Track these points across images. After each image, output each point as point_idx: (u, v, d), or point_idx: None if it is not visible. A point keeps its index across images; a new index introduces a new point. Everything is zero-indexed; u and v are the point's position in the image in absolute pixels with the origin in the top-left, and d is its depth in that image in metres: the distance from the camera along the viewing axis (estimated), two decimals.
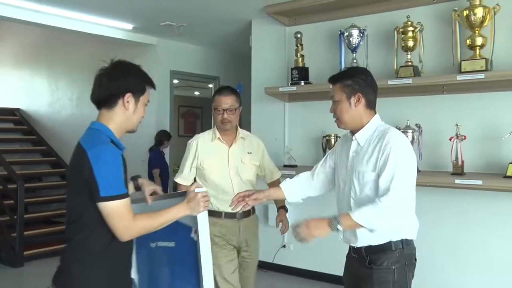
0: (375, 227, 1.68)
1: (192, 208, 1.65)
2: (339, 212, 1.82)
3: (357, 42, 3.25)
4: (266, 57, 3.94)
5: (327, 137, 3.44)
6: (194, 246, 1.71)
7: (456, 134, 2.81)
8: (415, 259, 1.82)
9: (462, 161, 2.80)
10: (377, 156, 1.72)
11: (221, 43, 5.42)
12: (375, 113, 1.85)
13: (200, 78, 5.97)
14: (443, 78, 2.83)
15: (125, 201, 1.48)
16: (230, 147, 2.44)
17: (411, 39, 3.00)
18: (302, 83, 3.48)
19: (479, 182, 2.63)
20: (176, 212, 1.62)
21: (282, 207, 2.51)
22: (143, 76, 1.64)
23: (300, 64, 3.52)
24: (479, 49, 2.74)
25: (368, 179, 1.74)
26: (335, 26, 3.45)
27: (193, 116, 9.05)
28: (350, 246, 1.86)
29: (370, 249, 1.79)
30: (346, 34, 3.26)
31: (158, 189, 1.85)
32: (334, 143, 3.41)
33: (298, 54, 3.53)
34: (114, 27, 4.63)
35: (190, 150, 2.45)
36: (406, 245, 1.78)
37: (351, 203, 1.79)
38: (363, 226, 1.67)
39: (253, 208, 2.45)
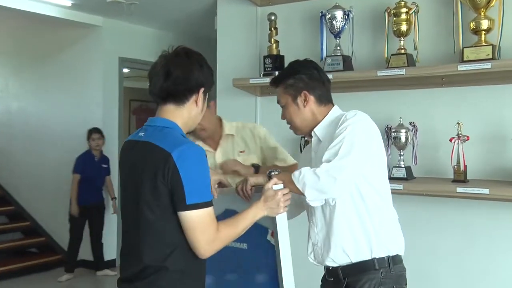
0: (305, 189, 1.66)
1: (270, 209, 1.66)
2: (311, 225, 1.86)
3: (341, 26, 3.17)
4: (234, 43, 3.84)
5: (305, 137, 3.31)
6: (271, 250, 1.74)
7: (458, 134, 2.76)
8: (406, 284, 1.76)
9: (465, 166, 2.75)
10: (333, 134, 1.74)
11: (181, 25, 5.27)
12: (332, 106, 1.89)
13: None
14: (442, 68, 2.77)
15: (211, 210, 1.49)
16: (216, 150, 2.34)
17: (405, 23, 2.92)
18: (277, 73, 3.30)
19: (485, 191, 2.57)
20: (253, 215, 1.63)
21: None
22: (210, 67, 1.65)
23: (274, 52, 3.44)
24: (485, 34, 2.67)
25: None
26: (315, 7, 3.36)
27: (147, 112, 8.81)
28: (324, 267, 1.85)
29: (347, 268, 1.74)
30: (328, 16, 3.17)
31: (224, 179, 1.98)
32: None
33: (272, 40, 3.45)
34: (48, 3, 4.37)
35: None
36: (394, 263, 1.73)
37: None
38: (296, 186, 1.67)
39: None
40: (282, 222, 1.70)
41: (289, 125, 1.92)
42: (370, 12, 3.20)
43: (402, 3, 2.92)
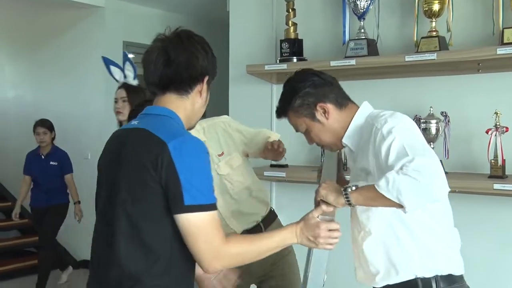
0: (405, 198, 1.43)
1: (307, 240, 1.53)
2: (353, 230, 1.80)
3: (365, 6, 3.13)
4: (248, 26, 3.83)
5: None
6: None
7: (495, 125, 2.73)
8: None
9: (503, 160, 2.72)
10: (371, 166, 1.64)
11: (190, 7, 5.28)
12: (355, 106, 1.80)
13: None
14: (479, 51, 2.74)
15: (215, 215, 1.37)
16: None
17: (437, 1, 2.87)
18: (295, 59, 3.40)
19: None
20: (283, 238, 1.52)
21: None
22: (214, 54, 1.58)
23: (292, 35, 3.43)
24: None
25: (372, 176, 1.65)
26: None
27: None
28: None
29: None
30: None
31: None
32: None
33: (290, 22, 3.43)
34: None
35: None
36: (443, 283, 1.66)
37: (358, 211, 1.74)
38: (387, 201, 1.45)
39: (271, 215, 2.42)
40: (321, 257, 1.61)
41: (321, 147, 1.87)
42: None
43: None
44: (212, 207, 1.36)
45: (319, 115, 1.74)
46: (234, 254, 1.39)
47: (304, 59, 3.39)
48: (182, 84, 1.49)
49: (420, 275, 1.66)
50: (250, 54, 3.73)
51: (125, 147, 1.43)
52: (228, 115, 3.87)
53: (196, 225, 1.32)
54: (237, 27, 3.90)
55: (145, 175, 1.34)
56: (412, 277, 1.66)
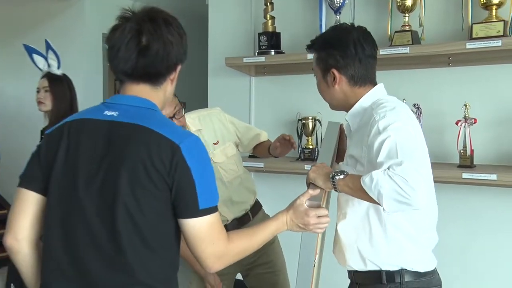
0: (383, 199, 1.40)
1: (297, 227, 1.53)
2: (339, 212, 1.76)
3: (341, 1, 3.16)
4: (227, 19, 3.82)
5: (303, 121, 3.37)
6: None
7: (464, 117, 2.77)
8: None
9: (472, 151, 2.76)
10: (360, 153, 1.61)
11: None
12: (371, 87, 1.72)
13: None
14: (450, 46, 2.77)
15: (219, 215, 1.33)
16: None
17: None
18: (273, 52, 3.40)
19: (493, 177, 2.59)
20: (276, 229, 1.51)
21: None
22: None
23: (270, 29, 3.43)
24: (496, 9, 2.67)
25: (361, 166, 1.61)
26: None
27: None
28: None
29: (357, 276, 1.70)
30: None
31: None
32: (312, 127, 3.32)
33: (268, 16, 3.43)
34: None
35: None
36: (407, 279, 1.63)
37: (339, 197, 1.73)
38: (367, 196, 1.44)
39: (257, 204, 2.41)
40: (310, 238, 1.58)
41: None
42: None
43: None
44: (217, 208, 1.32)
45: (328, 77, 1.71)
46: (237, 253, 1.36)
47: (282, 52, 3.40)
48: (157, 76, 1.35)
49: (385, 268, 1.64)
50: (229, 47, 3.72)
51: (121, 146, 1.27)
52: (207, 106, 3.92)
53: (206, 227, 1.27)
54: (216, 20, 3.89)
55: (154, 179, 1.23)
56: (377, 268, 1.65)
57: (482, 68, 2.87)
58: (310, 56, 3.03)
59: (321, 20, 3.24)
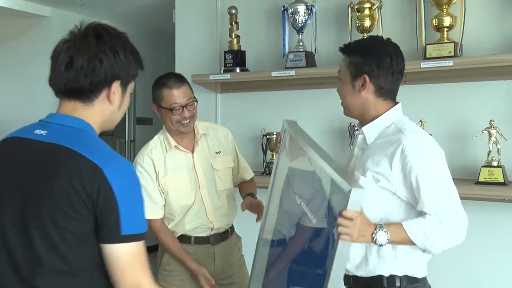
0: (432, 249, 1.57)
1: None
2: None
3: (303, 21, 3.18)
4: (194, 38, 3.82)
5: (267, 136, 3.37)
6: (332, 245, 1.49)
7: None
8: None
9: None
10: (387, 171, 1.61)
11: (137, 18, 5.19)
12: (395, 104, 1.75)
13: None
14: (406, 65, 2.68)
15: (144, 244, 1.22)
16: (193, 152, 2.25)
17: (368, 18, 2.96)
18: (238, 70, 3.40)
19: None
20: None
21: (249, 194, 2.34)
22: (135, 52, 1.35)
23: (235, 47, 3.44)
24: (447, 31, 2.75)
25: (366, 187, 1.56)
26: (277, 1, 3.37)
27: None
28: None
29: (354, 281, 1.69)
30: (290, 10, 3.19)
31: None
32: (277, 143, 3.31)
33: (233, 35, 3.44)
34: None
35: (149, 171, 2.20)
36: (410, 283, 1.66)
37: None
38: (414, 244, 1.54)
39: (231, 226, 2.36)
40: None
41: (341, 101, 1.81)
42: (333, 7, 3.23)
43: None
44: (144, 235, 1.22)
45: (358, 82, 1.70)
46: None
47: (246, 70, 3.41)
48: (84, 91, 1.26)
49: (386, 274, 1.65)
50: (195, 65, 3.71)
51: (42, 167, 1.20)
52: None
53: (127, 255, 1.17)
54: (183, 38, 3.89)
55: (74, 201, 1.15)
56: (375, 274, 1.66)
57: (436, 86, 2.93)
58: (274, 73, 3.12)
59: (284, 39, 3.26)
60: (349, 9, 3.03)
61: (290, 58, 3.14)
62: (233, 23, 3.43)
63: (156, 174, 2.21)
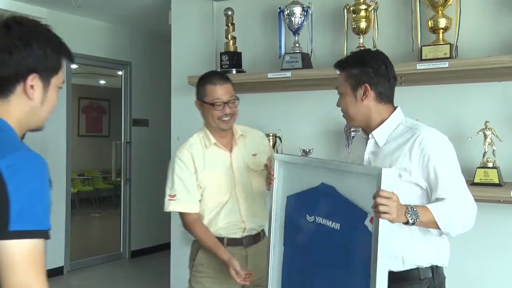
0: (452, 231, 1.68)
1: None
2: None
3: (300, 22, 3.19)
4: (190, 39, 3.82)
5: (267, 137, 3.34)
6: (367, 237, 1.57)
7: None
8: None
9: None
10: (408, 163, 1.72)
11: (133, 19, 5.18)
12: (394, 107, 1.88)
13: (107, 63, 5.72)
14: (401, 66, 2.76)
15: (43, 244, 1.09)
16: (231, 151, 2.29)
17: (364, 20, 2.97)
18: (234, 71, 3.39)
19: None
20: None
21: None
22: (56, 43, 1.27)
23: (231, 48, 3.44)
24: (443, 33, 2.76)
25: (408, 174, 1.72)
26: (273, 2, 3.38)
27: (98, 110, 8.67)
28: None
29: (393, 276, 1.69)
30: (286, 12, 3.19)
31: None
32: (273, 144, 3.32)
33: (229, 36, 3.44)
34: None
35: (188, 165, 2.24)
36: (437, 273, 1.77)
37: None
38: (438, 227, 1.65)
39: (263, 230, 2.36)
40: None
41: (342, 114, 1.92)
42: (329, 9, 3.24)
43: (361, 0, 2.96)
44: (44, 234, 1.09)
45: (359, 92, 1.81)
46: None
47: (243, 71, 3.41)
48: None
49: (420, 266, 1.75)
50: (192, 66, 3.70)
51: None
52: (170, 124, 3.89)
53: (17, 253, 1.05)
54: (179, 40, 3.88)
55: None
56: (413, 267, 1.75)
57: (431, 87, 2.94)
58: (270, 75, 3.12)
59: (280, 41, 3.26)
60: (345, 10, 3.04)
61: (286, 59, 3.15)
62: (229, 25, 3.43)
63: (195, 169, 2.25)
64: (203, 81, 2.31)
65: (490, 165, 2.62)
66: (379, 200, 1.47)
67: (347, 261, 1.69)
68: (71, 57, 1.31)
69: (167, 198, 2.27)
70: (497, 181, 2.56)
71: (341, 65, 1.90)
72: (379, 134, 1.83)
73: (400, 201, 1.60)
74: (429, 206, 1.66)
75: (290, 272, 1.99)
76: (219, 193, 2.27)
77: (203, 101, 2.29)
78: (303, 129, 3.30)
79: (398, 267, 1.75)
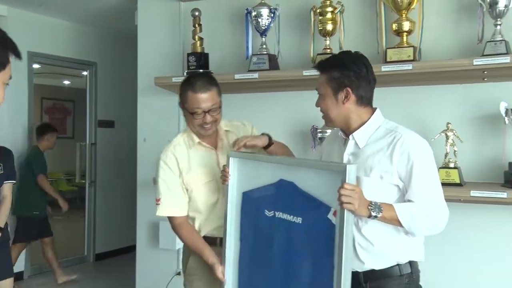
0: (415, 231, 1.72)
1: None
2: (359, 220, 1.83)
3: (267, 24, 3.19)
4: (156, 40, 3.78)
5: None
6: (330, 230, 1.65)
7: None
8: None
9: None
10: (389, 165, 1.76)
11: (99, 19, 5.10)
12: (373, 109, 1.90)
13: (71, 63, 5.62)
14: None
15: None
16: (216, 148, 2.23)
17: (330, 22, 3.00)
18: (201, 72, 3.33)
19: None
20: None
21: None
22: (0, 37, 1.25)
23: (198, 49, 3.41)
24: (407, 36, 2.80)
25: (372, 186, 1.75)
26: (240, 4, 3.37)
27: (62, 111, 8.51)
28: None
29: (371, 274, 1.77)
30: (254, 13, 3.19)
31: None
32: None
33: (196, 37, 3.42)
34: None
35: (172, 168, 2.18)
36: (414, 268, 1.81)
37: None
38: (400, 225, 1.70)
39: None
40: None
41: (321, 114, 1.93)
42: (296, 11, 3.25)
43: (328, 2, 2.98)
44: None
45: (340, 95, 1.83)
46: None
47: (210, 72, 3.36)
48: None
49: (400, 262, 1.81)
50: (158, 67, 3.67)
51: None
52: (136, 125, 3.83)
53: None
54: (145, 40, 3.84)
55: None
56: (394, 263, 1.80)
57: (396, 89, 2.98)
58: (238, 76, 3.11)
59: (247, 42, 3.26)
60: (312, 12, 3.05)
61: (254, 61, 3.14)
62: (196, 25, 3.40)
63: (180, 171, 2.18)
64: (186, 86, 2.19)
65: (452, 165, 2.68)
66: (343, 191, 1.56)
67: (310, 252, 1.75)
68: (17, 53, 1.27)
69: (155, 202, 2.23)
70: (458, 181, 2.62)
71: (322, 66, 1.90)
72: (359, 136, 1.85)
73: (370, 198, 1.68)
74: (395, 204, 1.71)
75: (247, 267, 2.02)
76: (208, 193, 2.20)
77: (184, 107, 2.20)
78: (270, 130, 3.25)
79: (380, 265, 1.80)
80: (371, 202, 1.66)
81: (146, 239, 3.69)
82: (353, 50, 3.00)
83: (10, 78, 1.28)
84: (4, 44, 1.24)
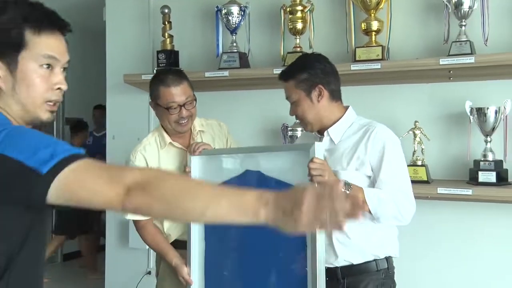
0: (381, 217, 1.74)
1: (280, 221, 0.94)
2: None
3: (237, 22, 3.19)
4: (125, 37, 3.74)
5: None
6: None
7: None
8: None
9: None
10: (363, 155, 1.81)
11: (64, 14, 4.97)
12: (346, 107, 1.97)
13: None
14: (336, 67, 2.74)
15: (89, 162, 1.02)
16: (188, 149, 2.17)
17: (300, 21, 3.01)
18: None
19: None
20: (253, 211, 0.97)
21: None
22: (14, 10, 1.09)
23: (168, 47, 3.39)
24: (375, 35, 2.83)
25: (348, 178, 1.78)
26: (211, 1, 3.36)
27: None
28: None
29: (349, 269, 1.80)
30: (224, 11, 3.19)
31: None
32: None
33: (166, 34, 3.40)
34: None
35: None
36: (390, 264, 1.86)
37: None
38: (367, 210, 1.71)
39: None
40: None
41: (298, 121, 1.96)
42: (266, 9, 3.25)
43: (297, 1, 2.99)
44: (79, 156, 0.99)
45: (314, 94, 1.86)
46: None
47: (180, 70, 3.36)
48: None
49: (377, 257, 1.85)
50: (127, 64, 3.64)
51: None
52: (106, 124, 3.78)
53: (72, 178, 0.95)
54: (114, 37, 3.79)
55: None
56: (371, 258, 1.85)
57: (365, 88, 3.01)
58: (208, 74, 3.10)
59: (218, 40, 3.25)
60: (282, 11, 3.06)
61: (224, 58, 3.14)
62: (166, 23, 3.38)
63: None
64: (156, 82, 2.16)
65: (419, 163, 2.72)
66: (312, 165, 1.63)
67: (281, 240, 1.70)
68: (53, 23, 1.12)
69: None
70: (425, 178, 2.67)
71: (287, 74, 1.91)
72: (334, 132, 1.90)
73: None
74: (365, 188, 1.76)
75: (214, 266, 2.01)
76: None
77: (156, 104, 2.15)
78: (241, 128, 3.30)
79: (358, 259, 1.83)
80: (342, 180, 1.67)
81: (116, 238, 3.64)
82: (322, 49, 3.07)
83: (55, 54, 1.13)
84: (20, 18, 1.07)
